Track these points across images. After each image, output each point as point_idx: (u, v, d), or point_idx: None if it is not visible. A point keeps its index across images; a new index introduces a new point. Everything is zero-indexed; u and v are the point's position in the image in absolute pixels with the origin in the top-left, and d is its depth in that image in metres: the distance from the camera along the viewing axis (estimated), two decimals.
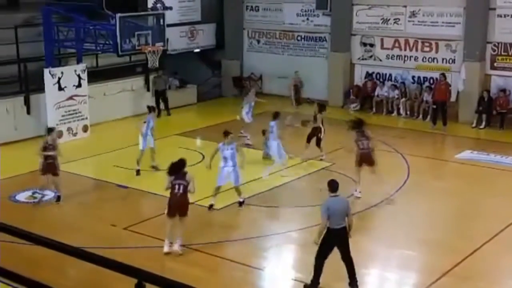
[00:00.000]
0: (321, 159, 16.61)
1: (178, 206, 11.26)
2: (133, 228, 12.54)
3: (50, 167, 13.78)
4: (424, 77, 22.12)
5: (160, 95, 22.26)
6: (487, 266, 11.10)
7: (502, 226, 12.57)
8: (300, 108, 22.49)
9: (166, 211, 11.36)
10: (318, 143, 16.70)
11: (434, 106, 20.66)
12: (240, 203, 13.48)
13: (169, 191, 11.39)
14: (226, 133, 13.31)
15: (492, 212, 13.52)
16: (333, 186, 9.96)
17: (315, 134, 16.62)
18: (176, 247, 11.23)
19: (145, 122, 15.70)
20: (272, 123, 15.78)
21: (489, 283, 10.55)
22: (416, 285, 10.60)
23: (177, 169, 11.30)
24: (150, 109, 16.22)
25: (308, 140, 16.65)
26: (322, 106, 17.12)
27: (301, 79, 23.65)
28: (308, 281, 9.88)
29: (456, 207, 13.94)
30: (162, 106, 22.15)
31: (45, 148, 13.85)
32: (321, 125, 16.57)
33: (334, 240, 9.72)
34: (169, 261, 11.06)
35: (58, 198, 14.06)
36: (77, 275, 10.31)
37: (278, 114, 16.12)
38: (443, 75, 20.73)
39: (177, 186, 11.19)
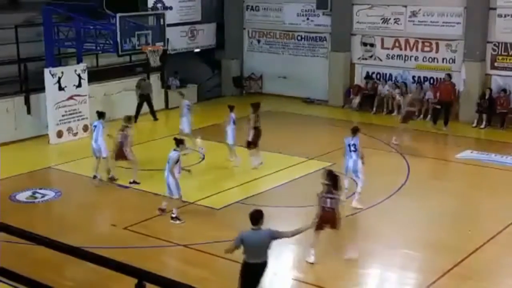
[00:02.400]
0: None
1: (327, 220, 10.78)
2: (133, 228, 12.53)
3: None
4: (424, 77, 22.13)
5: (145, 99, 21.57)
6: (487, 266, 11.08)
7: (503, 225, 12.57)
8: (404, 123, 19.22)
9: (314, 225, 10.76)
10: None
11: (439, 106, 20.55)
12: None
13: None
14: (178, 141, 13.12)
15: (492, 211, 13.52)
16: (253, 218, 8.90)
17: (259, 136, 16.06)
18: (352, 254, 10.91)
19: (95, 126, 15.41)
20: (352, 139, 13.59)
21: (490, 283, 10.55)
22: (416, 285, 10.58)
23: (333, 180, 10.82)
24: (99, 115, 15.52)
25: (255, 144, 16.11)
26: (255, 105, 16.31)
27: (400, 86, 21.15)
28: (308, 280, 9.89)
29: (456, 206, 13.92)
30: (140, 111, 21.49)
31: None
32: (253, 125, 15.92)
33: (251, 274, 8.91)
34: (169, 260, 11.06)
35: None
36: (78, 275, 10.30)
37: (358, 129, 13.86)
38: (449, 75, 20.68)
39: (328, 200, 10.76)
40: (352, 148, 13.47)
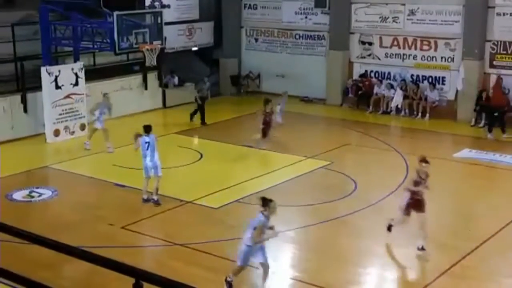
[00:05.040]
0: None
1: None
2: (130, 227, 12.47)
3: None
4: (423, 76, 22.10)
5: (203, 103, 20.80)
6: (485, 265, 11.04)
7: (501, 225, 12.53)
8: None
9: None
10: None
11: (496, 114, 19.44)
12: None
13: None
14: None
15: (490, 210, 13.48)
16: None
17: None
18: None
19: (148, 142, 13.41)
20: None
21: (488, 282, 10.51)
22: (415, 284, 10.55)
23: None
24: (147, 129, 13.58)
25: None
26: (266, 101, 17.34)
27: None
28: (306, 279, 9.82)
29: (454, 205, 13.89)
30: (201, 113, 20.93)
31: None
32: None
33: None
34: (166, 260, 11.01)
35: None
36: (75, 274, 10.24)
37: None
38: (501, 78, 20.07)
39: None
40: None
